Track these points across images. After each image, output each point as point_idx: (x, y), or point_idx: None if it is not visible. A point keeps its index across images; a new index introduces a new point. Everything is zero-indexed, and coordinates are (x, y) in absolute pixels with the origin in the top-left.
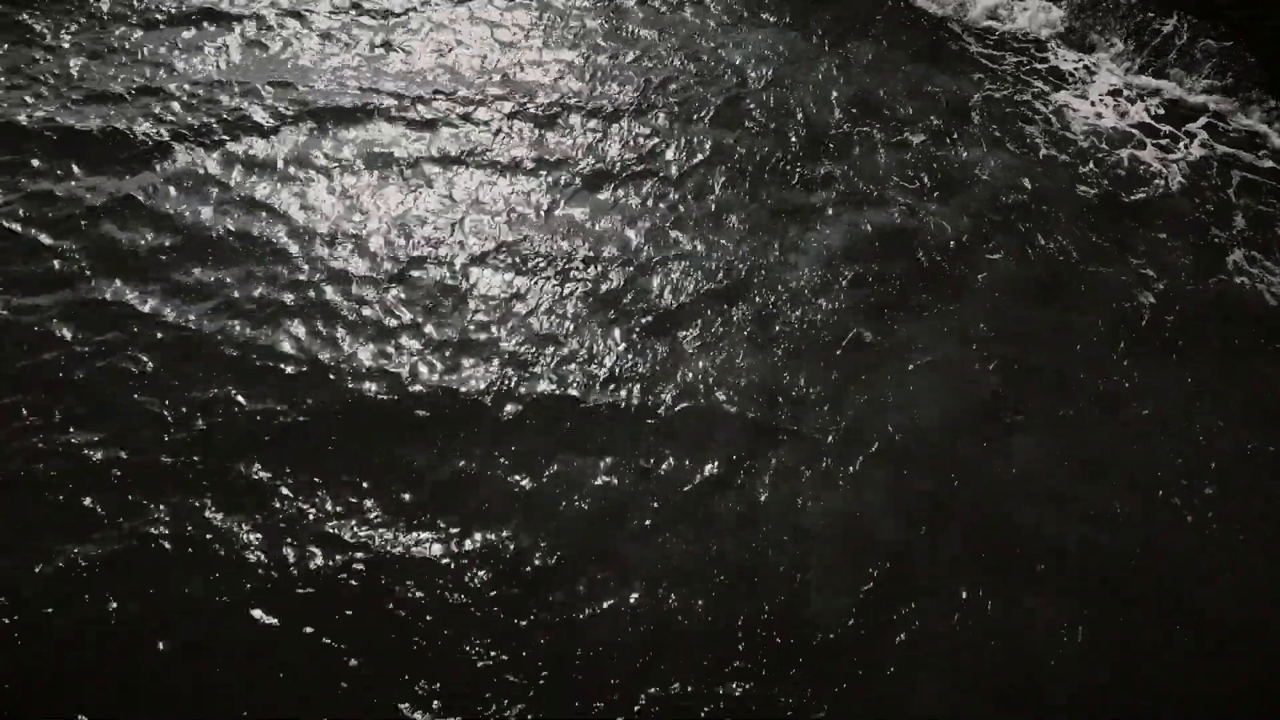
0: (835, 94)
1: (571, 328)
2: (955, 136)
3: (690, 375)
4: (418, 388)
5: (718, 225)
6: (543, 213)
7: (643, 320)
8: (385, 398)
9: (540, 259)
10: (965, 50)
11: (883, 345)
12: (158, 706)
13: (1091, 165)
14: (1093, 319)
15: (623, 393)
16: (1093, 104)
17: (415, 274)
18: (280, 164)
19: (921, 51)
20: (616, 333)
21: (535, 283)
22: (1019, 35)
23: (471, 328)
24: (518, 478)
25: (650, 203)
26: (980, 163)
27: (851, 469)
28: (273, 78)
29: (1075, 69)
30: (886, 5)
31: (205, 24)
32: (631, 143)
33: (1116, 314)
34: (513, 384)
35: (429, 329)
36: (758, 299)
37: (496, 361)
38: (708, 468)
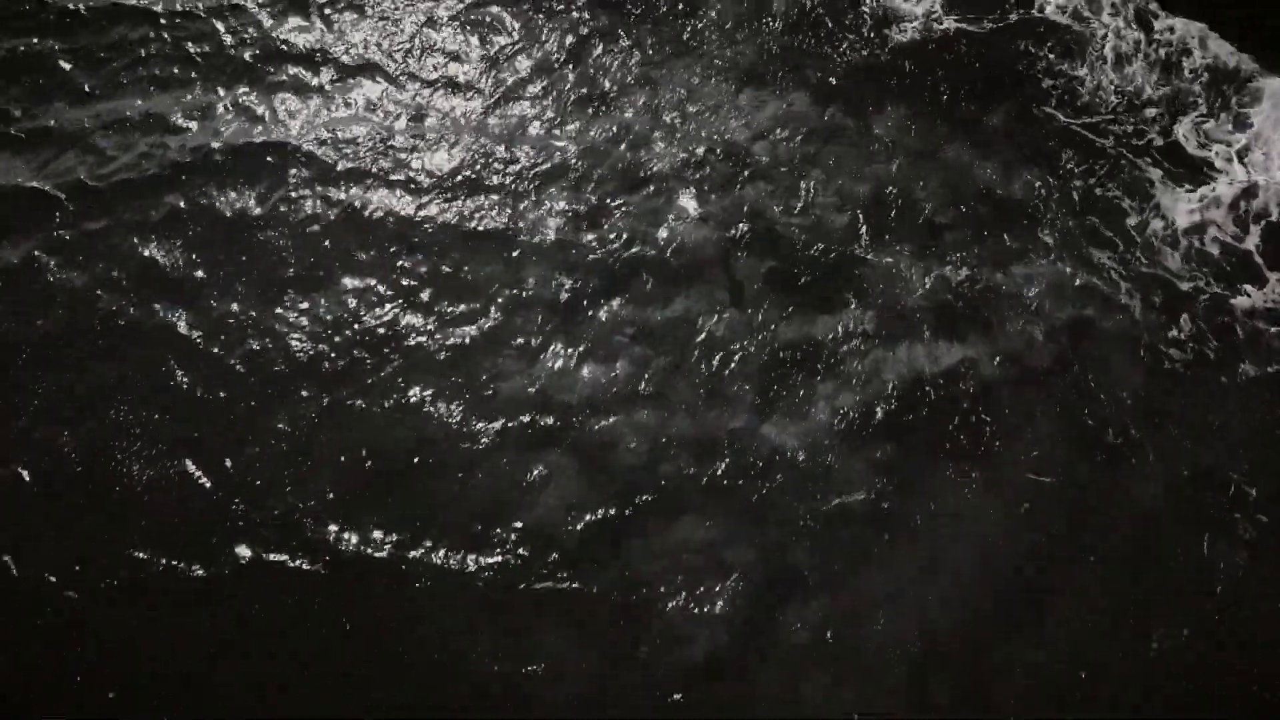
0: (860, 187)
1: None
2: (1007, 243)
3: (666, 559)
4: None
5: (718, 377)
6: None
7: (633, 500)
8: None
9: None
10: (1044, 113)
11: (898, 517)
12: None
13: (1181, 304)
14: (1152, 490)
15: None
16: (1207, 210)
17: None
18: None
19: (982, 110)
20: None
21: None
22: (1131, 88)
23: None
24: None
25: (632, 355)
26: (1034, 283)
27: (857, 671)
28: None
29: (1204, 152)
30: (929, 48)
31: None
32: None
33: (1182, 490)
34: None
35: None
36: (757, 463)
37: None
38: (697, 667)
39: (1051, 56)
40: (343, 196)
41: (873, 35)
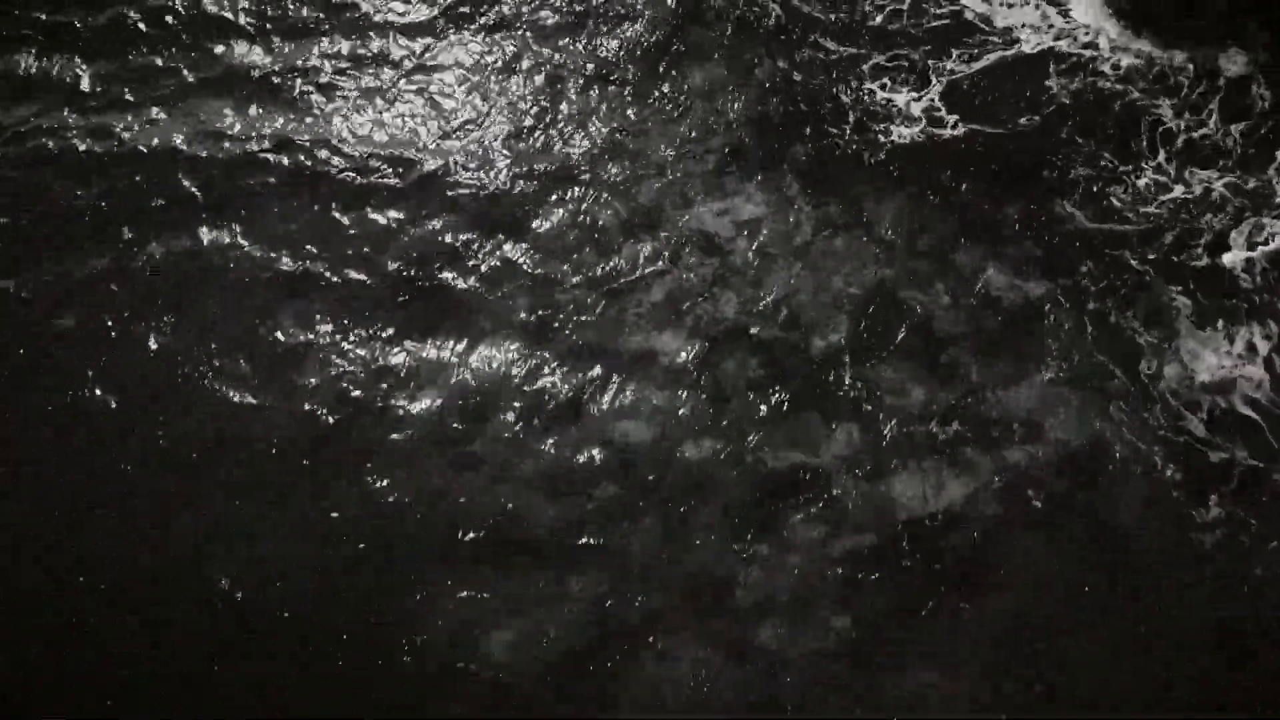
0: (854, 291)
1: None
2: (1013, 364)
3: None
4: None
5: (690, 508)
6: None
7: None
8: None
9: None
10: (1065, 212)
11: (884, 661)
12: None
13: (1207, 478)
14: (1163, 644)
15: None
16: (1243, 365)
17: None
18: None
19: (994, 206)
20: None
21: None
22: (1175, 192)
23: None
24: None
25: (594, 480)
26: (1041, 414)
27: None
28: None
29: (1250, 283)
30: (934, 146)
31: None
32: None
33: (1199, 642)
34: None
35: None
36: (734, 599)
37: None
38: None
39: (1079, 141)
40: (259, 303)
41: (873, 123)
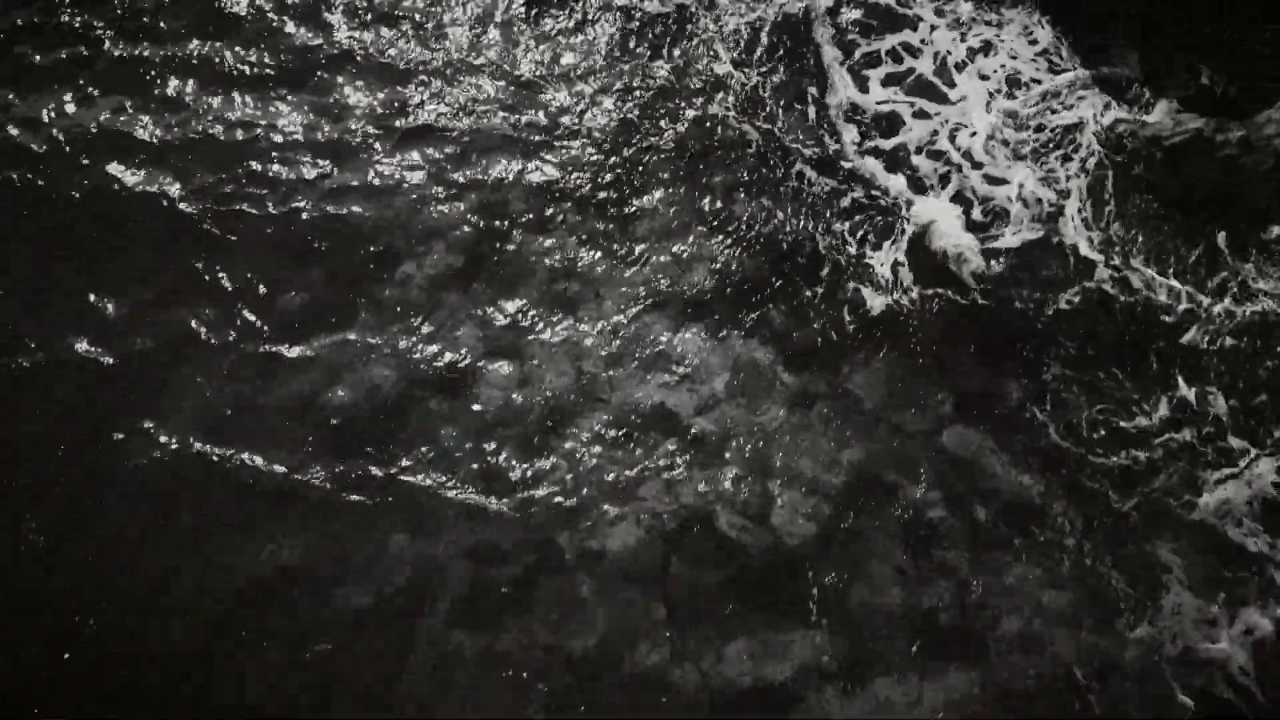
0: (831, 474)
1: None
2: (1008, 561)
3: None
4: None
5: None
6: None
7: None
8: None
9: None
10: (1072, 395)
11: None
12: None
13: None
14: None
15: None
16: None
17: None
18: None
19: (993, 382)
20: None
21: None
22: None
23: None
24: None
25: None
26: (1030, 618)
27: None
28: None
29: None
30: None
31: None
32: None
33: None
34: None
35: None
36: None
37: None
38: None
39: (1089, 316)
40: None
41: (853, 281)
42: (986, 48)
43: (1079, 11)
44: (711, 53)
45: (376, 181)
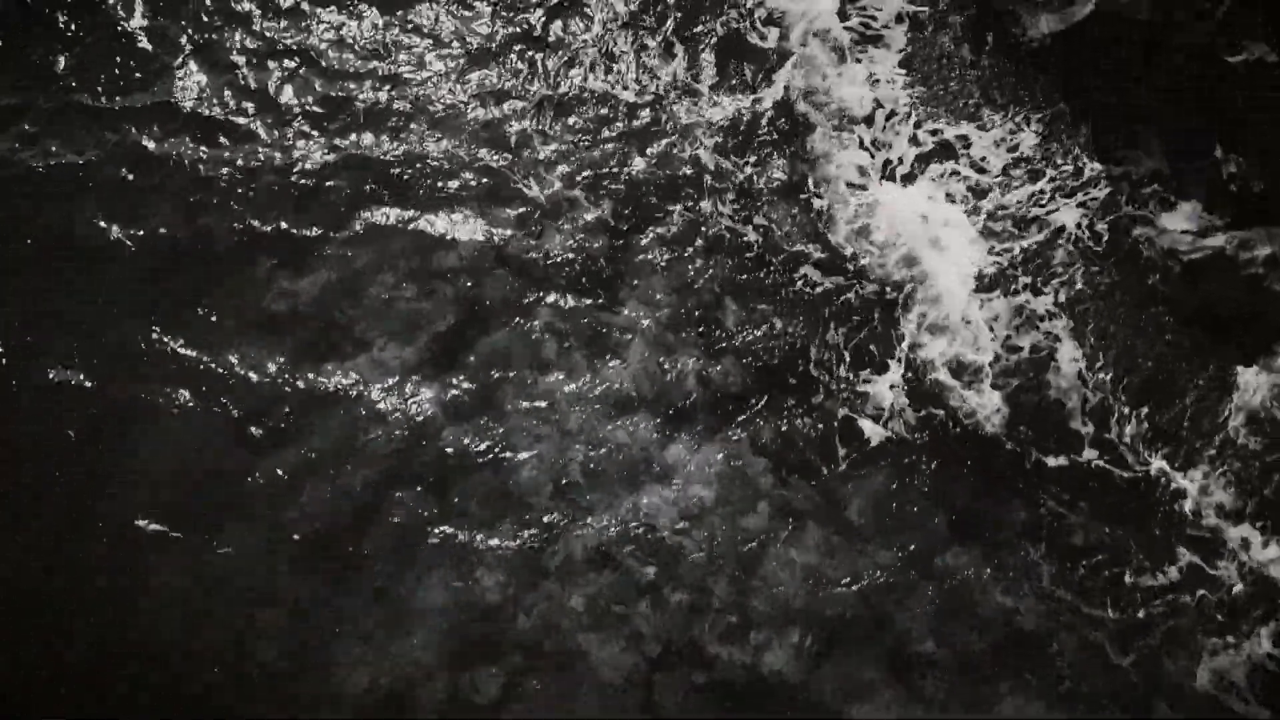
0: (819, 597)
1: None
2: (1009, 697)
3: None
4: None
5: None
6: None
7: None
8: None
9: None
10: (1076, 517)
11: None
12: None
13: None
14: None
15: None
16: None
17: None
18: None
19: (993, 504)
20: None
21: None
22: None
23: None
24: None
25: None
26: None
27: None
28: None
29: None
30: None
31: None
32: None
33: None
34: None
35: None
36: None
37: None
38: None
39: (1092, 458)
40: None
41: (849, 401)
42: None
43: (1095, 104)
44: (696, 142)
45: (347, 267)
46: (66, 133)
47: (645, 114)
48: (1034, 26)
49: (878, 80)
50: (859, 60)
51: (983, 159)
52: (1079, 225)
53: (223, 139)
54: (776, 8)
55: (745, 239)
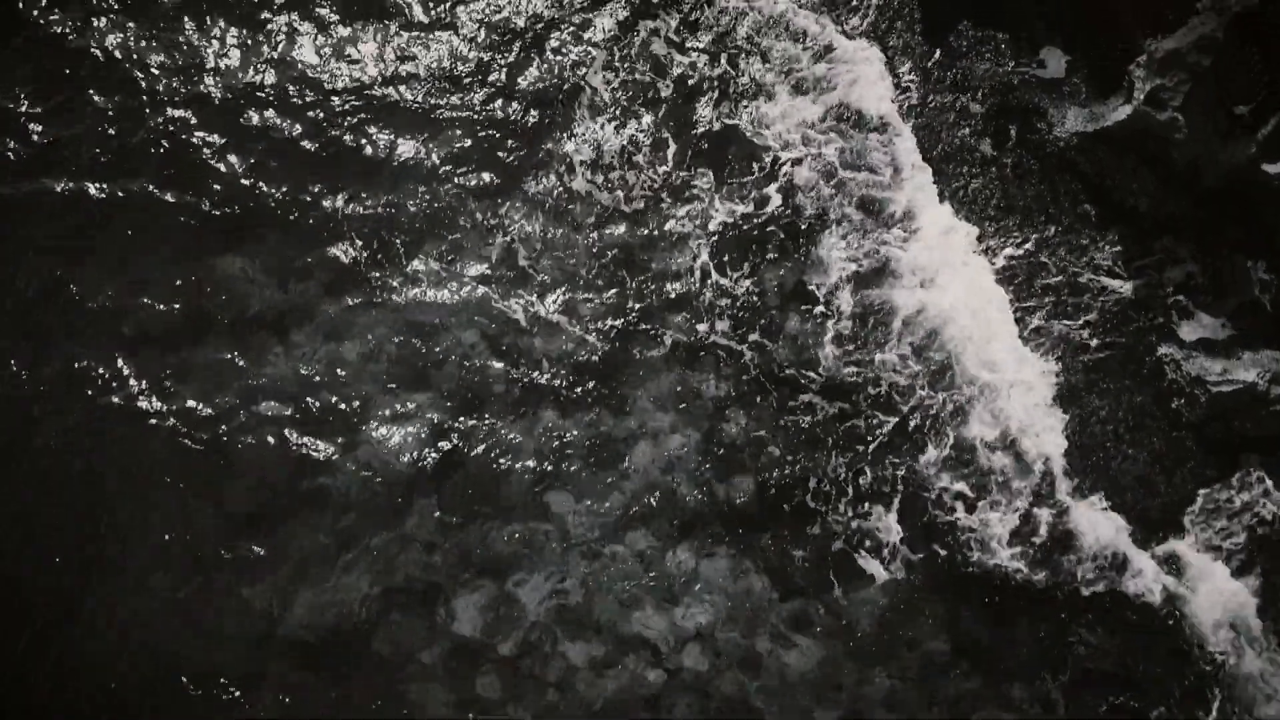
0: (823, 704)
1: None
2: None
3: None
4: None
5: None
6: None
7: None
8: None
9: None
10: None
11: None
12: None
13: None
14: None
15: None
16: None
17: None
18: None
19: (982, 640)
20: None
21: None
22: None
23: None
24: None
25: None
26: None
27: None
28: None
29: None
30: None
31: None
32: None
33: None
34: None
35: None
36: None
37: None
38: None
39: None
40: None
41: (859, 518)
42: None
43: (1124, 209)
44: (694, 250)
45: (335, 355)
46: None
47: (644, 216)
48: (1060, 124)
49: (892, 173)
50: (872, 154)
51: (1004, 268)
52: (1097, 339)
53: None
54: (777, 104)
55: (745, 354)
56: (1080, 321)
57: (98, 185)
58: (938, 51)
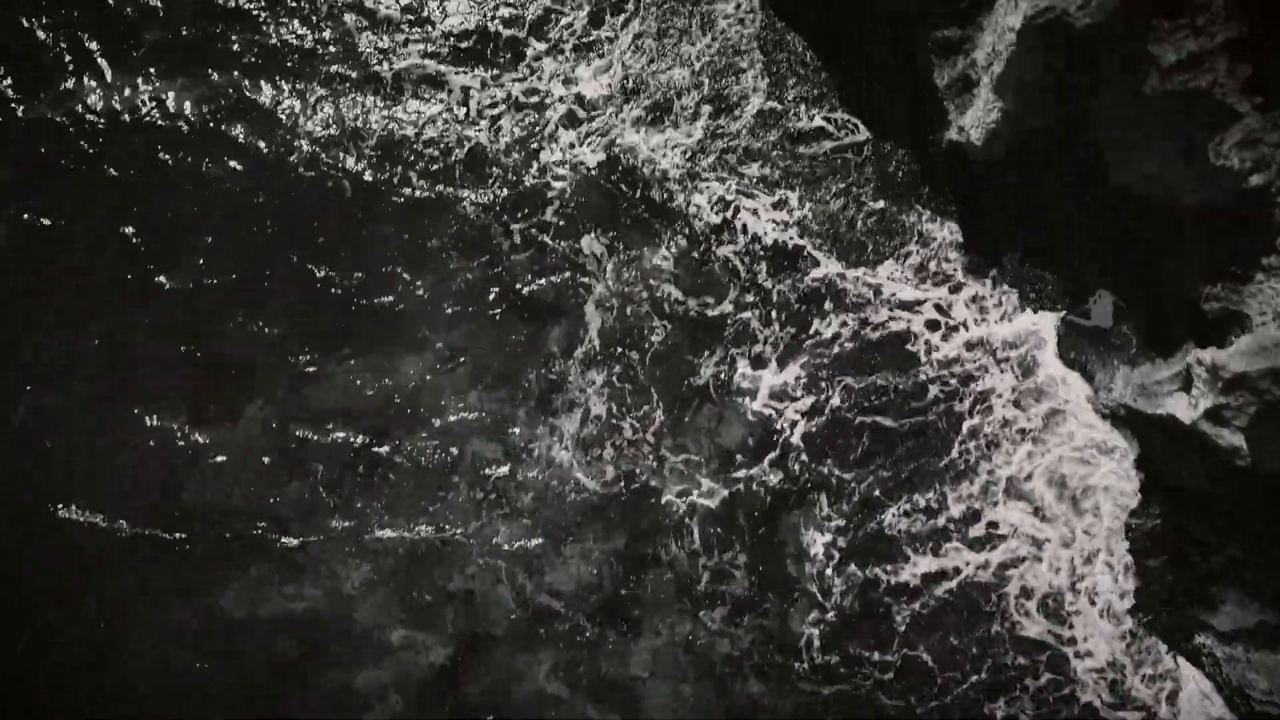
0: None
1: None
2: None
3: None
4: None
5: None
6: None
7: None
8: None
9: None
10: None
11: None
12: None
13: None
14: None
15: None
16: None
17: None
18: None
19: None
20: None
21: None
22: None
23: None
24: None
25: None
26: None
27: None
28: None
29: None
30: None
31: None
32: None
33: None
34: None
35: None
36: None
37: None
38: None
39: None
40: None
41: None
42: None
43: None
44: (683, 536)
45: (344, 585)
46: None
47: (634, 496)
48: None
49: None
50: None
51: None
52: None
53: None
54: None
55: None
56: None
57: None
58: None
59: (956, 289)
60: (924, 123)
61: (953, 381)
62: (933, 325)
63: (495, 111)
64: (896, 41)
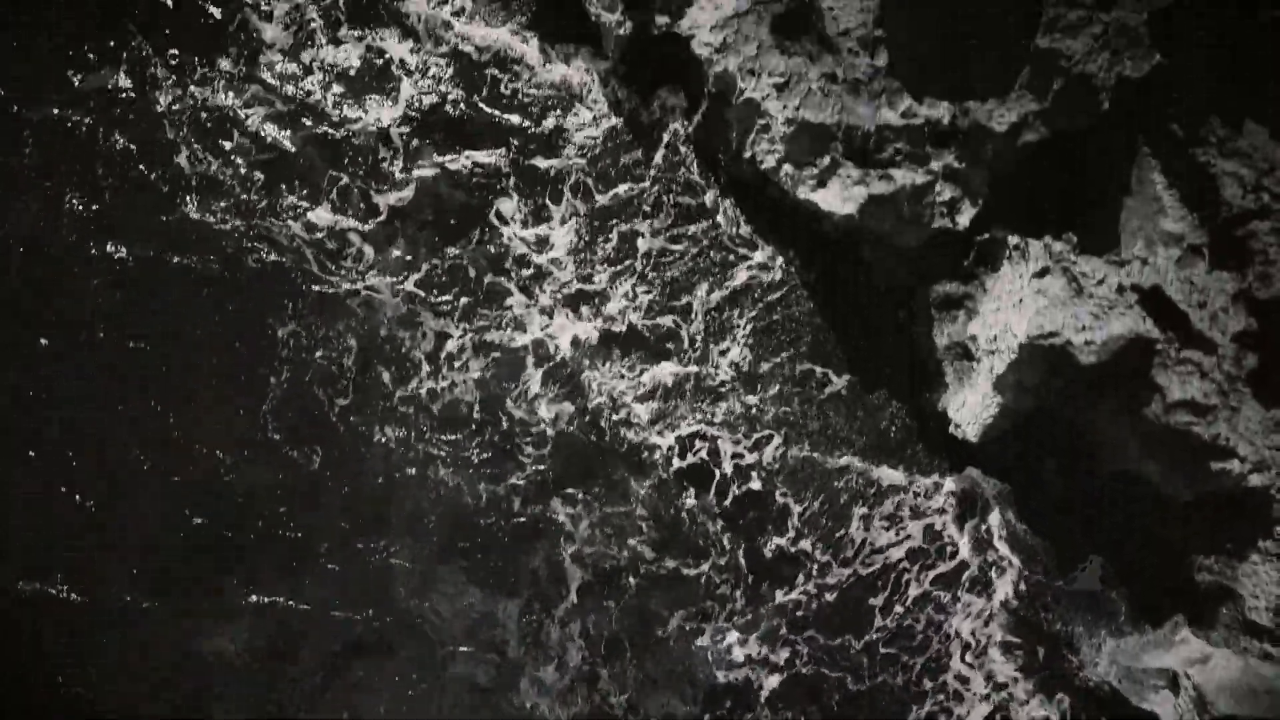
0: None
1: None
2: None
3: None
4: None
5: None
6: None
7: None
8: None
9: None
10: None
11: None
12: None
13: None
14: None
15: None
16: None
17: None
18: None
19: None
20: None
21: None
22: None
23: None
24: None
25: None
26: None
27: None
28: None
29: None
30: None
31: None
32: None
33: None
34: None
35: None
36: None
37: None
38: None
39: None
40: None
41: None
42: None
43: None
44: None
45: None
46: None
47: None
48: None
49: None
50: None
51: None
52: None
53: None
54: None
55: None
56: None
57: None
58: None
59: (943, 552)
60: (919, 382)
61: (922, 636)
62: (905, 584)
63: (465, 359)
64: (897, 306)
